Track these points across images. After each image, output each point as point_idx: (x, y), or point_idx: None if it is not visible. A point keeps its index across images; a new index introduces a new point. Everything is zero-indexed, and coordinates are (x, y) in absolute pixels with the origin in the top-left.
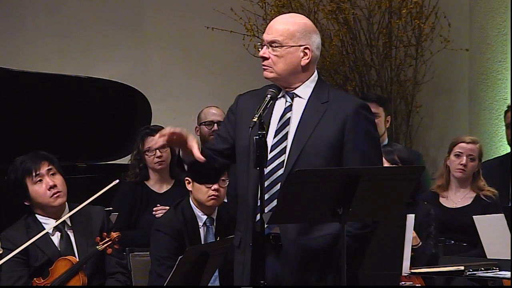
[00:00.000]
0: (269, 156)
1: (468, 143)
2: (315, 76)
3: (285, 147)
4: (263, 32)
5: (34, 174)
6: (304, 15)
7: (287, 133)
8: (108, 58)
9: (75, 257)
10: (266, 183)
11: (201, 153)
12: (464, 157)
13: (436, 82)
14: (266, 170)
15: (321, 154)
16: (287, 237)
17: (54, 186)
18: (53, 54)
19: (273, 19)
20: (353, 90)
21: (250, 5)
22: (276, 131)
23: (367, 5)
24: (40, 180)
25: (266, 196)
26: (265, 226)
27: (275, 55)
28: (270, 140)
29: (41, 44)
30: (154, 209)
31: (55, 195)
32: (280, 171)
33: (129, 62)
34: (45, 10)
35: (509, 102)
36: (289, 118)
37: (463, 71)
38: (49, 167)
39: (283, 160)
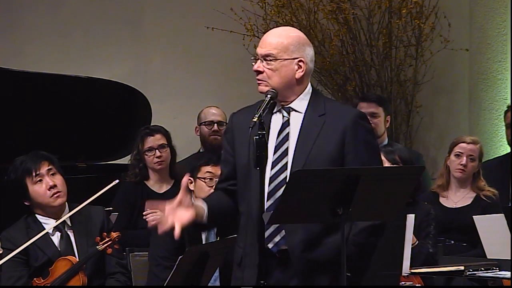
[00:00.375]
0: (271, 173)
1: (468, 143)
2: (309, 88)
3: (286, 163)
4: (263, 32)
5: (34, 174)
6: (304, 15)
7: (287, 148)
8: (108, 58)
9: (75, 257)
10: (269, 202)
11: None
12: (464, 157)
13: (436, 82)
14: (269, 188)
15: (322, 168)
16: (295, 252)
17: (54, 186)
18: (54, 54)
19: (273, 19)
20: (353, 90)
21: (250, 5)
22: (275, 147)
23: (367, 5)
24: (40, 180)
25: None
26: (273, 244)
27: (269, 69)
28: (270, 157)
29: (41, 44)
30: (144, 213)
31: (55, 195)
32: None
33: (129, 62)
34: (46, 10)
35: (509, 102)
36: (288, 133)
37: (463, 71)
38: (49, 167)
39: (285, 177)
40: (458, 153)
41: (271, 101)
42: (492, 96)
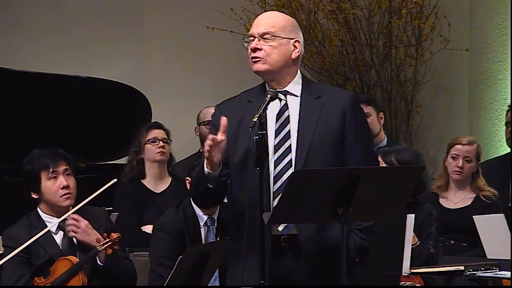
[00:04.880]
0: (274, 157)
1: (464, 144)
2: (299, 73)
3: (290, 146)
4: None
5: (51, 170)
6: (304, 15)
7: (288, 131)
8: (108, 58)
9: (76, 257)
10: (277, 185)
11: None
12: (460, 160)
13: (436, 82)
14: (275, 172)
15: (327, 149)
16: (305, 237)
17: (67, 186)
18: (53, 53)
19: None
20: (353, 90)
21: (250, 5)
22: (276, 131)
23: (367, 5)
24: (55, 177)
25: (278, 199)
26: (283, 227)
27: (269, 46)
28: (271, 141)
29: (41, 44)
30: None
31: (66, 195)
32: (290, 171)
33: (129, 62)
34: (45, 10)
35: (509, 102)
36: (288, 116)
37: (463, 71)
38: (66, 167)
39: (290, 159)
40: (454, 155)
41: (271, 101)
42: (492, 96)
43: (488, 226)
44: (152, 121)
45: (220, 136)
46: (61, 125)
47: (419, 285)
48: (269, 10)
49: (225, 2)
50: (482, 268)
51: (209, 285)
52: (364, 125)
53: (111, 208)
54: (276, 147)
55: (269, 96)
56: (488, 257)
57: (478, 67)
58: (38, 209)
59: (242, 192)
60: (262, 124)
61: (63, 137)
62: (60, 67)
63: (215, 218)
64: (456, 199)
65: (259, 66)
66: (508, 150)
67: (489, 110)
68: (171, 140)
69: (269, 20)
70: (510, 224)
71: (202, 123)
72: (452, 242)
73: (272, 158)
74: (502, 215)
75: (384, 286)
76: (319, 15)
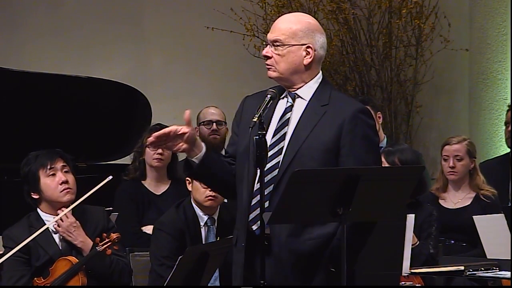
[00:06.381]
0: (268, 154)
1: (452, 144)
2: (319, 77)
3: (282, 147)
4: (263, 32)
5: (48, 167)
6: None
7: (285, 133)
8: (108, 58)
9: (75, 257)
10: (259, 185)
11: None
12: (451, 159)
13: (436, 82)
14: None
15: (316, 157)
16: (277, 239)
17: (66, 181)
18: (53, 54)
19: (273, 19)
20: (353, 90)
21: (250, 5)
22: (275, 130)
23: (367, 5)
24: (53, 174)
25: (259, 197)
26: (257, 226)
27: (277, 54)
28: (268, 140)
29: (41, 44)
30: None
31: (65, 190)
32: (275, 172)
33: (129, 62)
34: (45, 10)
35: (509, 102)
36: (289, 118)
37: (463, 71)
38: (64, 164)
39: (279, 161)
40: (445, 157)
41: (271, 101)
42: (492, 96)
43: (488, 226)
44: (152, 121)
45: (184, 128)
46: (61, 125)
47: (419, 285)
48: (269, 10)
49: (225, 2)
50: (482, 268)
51: (209, 285)
52: (365, 139)
53: (111, 208)
54: (270, 147)
55: (269, 96)
56: (488, 257)
57: (478, 67)
58: (38, 209)
59: (238, 184)
60: (262, 124)
61: (63, 137)
62: (60, 67)
63: (215, 218)
64: (455, 199)
65: (270, 73)
66: (508, 150)
67: (489, 110)
68: None
69: (281, 26)
70: (510, 224)
71: (202, 123)
72: (452, 242)
73: None
74: (502, 215)
75: (384, 286)
76: (319, 15)
